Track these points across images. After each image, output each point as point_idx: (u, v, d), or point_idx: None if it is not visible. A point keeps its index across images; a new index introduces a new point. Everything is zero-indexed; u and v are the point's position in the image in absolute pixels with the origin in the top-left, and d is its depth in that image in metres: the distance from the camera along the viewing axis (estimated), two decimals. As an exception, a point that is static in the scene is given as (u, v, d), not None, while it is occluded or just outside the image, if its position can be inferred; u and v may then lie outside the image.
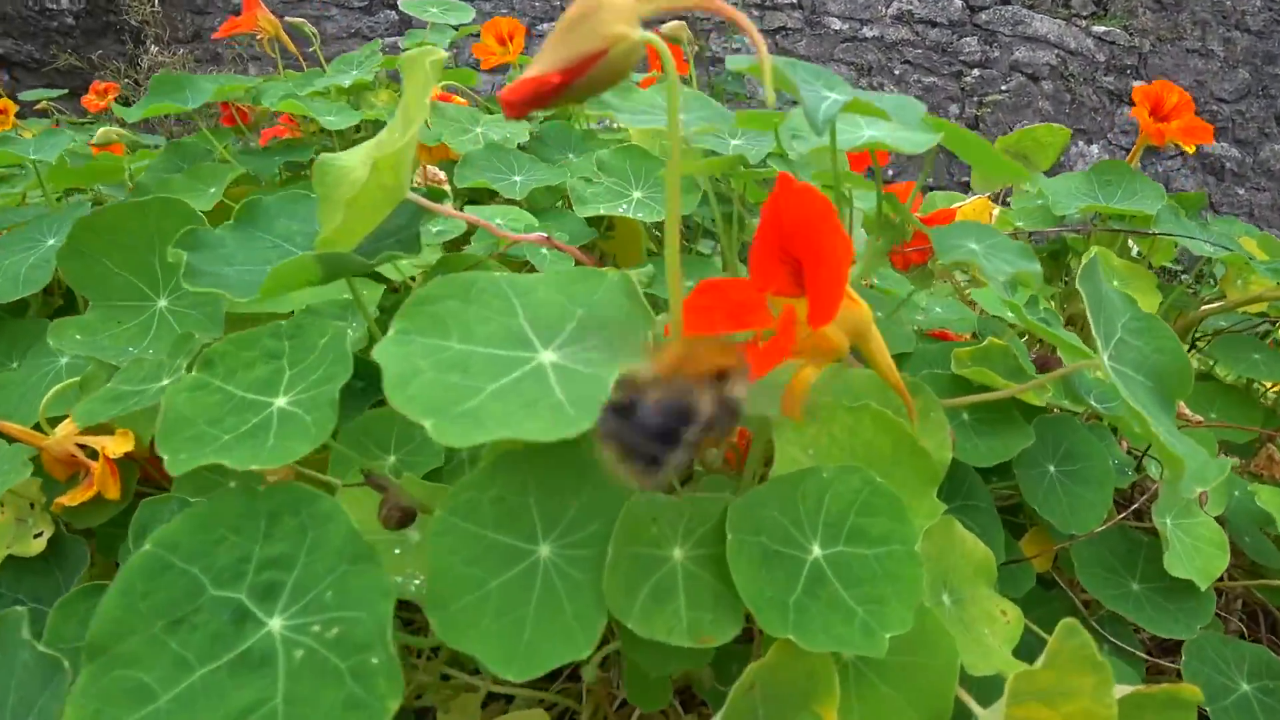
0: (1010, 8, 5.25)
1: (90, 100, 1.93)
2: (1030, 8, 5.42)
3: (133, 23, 3.96)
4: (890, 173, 4.91)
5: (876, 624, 0.41)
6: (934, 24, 5.22)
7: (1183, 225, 1.02)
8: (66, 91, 2.55)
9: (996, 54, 5.24)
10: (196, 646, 0.35)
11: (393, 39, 5.62)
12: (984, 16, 5.24)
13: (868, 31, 5.19)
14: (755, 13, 5.22)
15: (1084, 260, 0.59)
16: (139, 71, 4.46)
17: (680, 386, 0.31)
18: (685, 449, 0.31)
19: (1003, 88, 5.25)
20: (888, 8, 5.22)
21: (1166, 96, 1.03)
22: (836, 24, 5.19)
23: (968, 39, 5.23)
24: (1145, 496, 0.78)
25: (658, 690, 0.53)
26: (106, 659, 0.34)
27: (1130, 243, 1.13)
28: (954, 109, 5.21)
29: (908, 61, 5.19)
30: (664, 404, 0.31)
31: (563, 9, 0.39)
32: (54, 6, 5.14)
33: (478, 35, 1.39)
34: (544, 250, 0.82)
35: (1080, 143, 5.37)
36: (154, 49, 3.29)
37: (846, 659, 0.45)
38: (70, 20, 5.03)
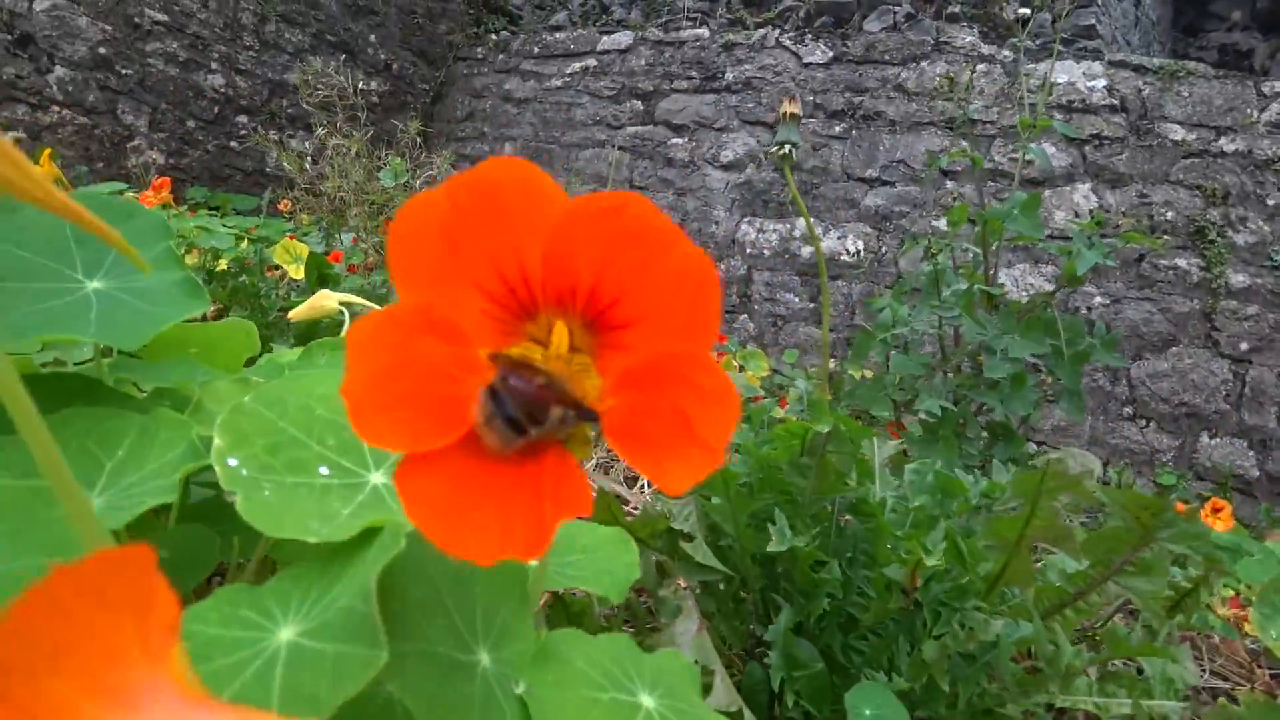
0: None
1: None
2: None
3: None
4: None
5: None
6: (1345, 136, 3.63)
7: None
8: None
9: None
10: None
11: (635, 128, 5.46)
12: None
13: (1227, 144, 3.76)
14: (1060, 115, 4.09)
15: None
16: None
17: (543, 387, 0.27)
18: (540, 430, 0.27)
19: None
20: (1261, 111, 3.75)
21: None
22: (1179, 133, 3.85)
23: (1407, 159, 3.55)
24: None
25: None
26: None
27: None
28: (1369, 259, 3.54)
29: (1292, 187, 3.66)
30: (524, 397, 0.27)
31: None
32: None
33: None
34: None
35: None
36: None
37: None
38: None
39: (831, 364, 3.44)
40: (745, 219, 4.44)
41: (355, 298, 0.64)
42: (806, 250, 4.13)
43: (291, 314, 0.62)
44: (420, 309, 0.26)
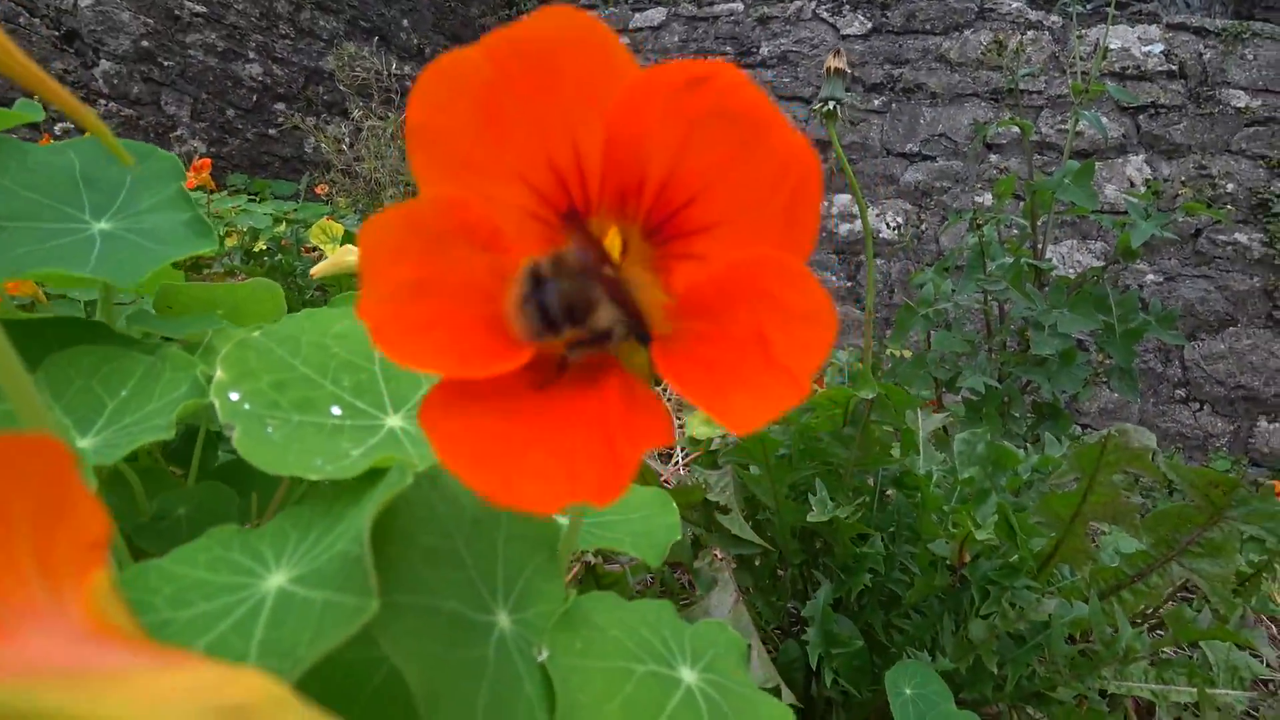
0: None
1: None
2: None
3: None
4: None
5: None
6: None
7: None
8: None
9: None
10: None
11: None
12: None
13: (1296, 110, 3.56)
14: (1110, 83, 3.91)
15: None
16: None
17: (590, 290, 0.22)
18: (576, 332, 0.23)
19: None
20: (1338, 76, 3.54)
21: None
22: (1241, 99, 3.65)
23: None
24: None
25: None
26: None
27: None
28: None
29: (1366, 155, 3.45)
30: (566, 295, 0.22)
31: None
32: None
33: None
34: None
35: None
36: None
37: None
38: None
39: (856, 350, 3.37)
40: (780, 198, 4.37)
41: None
42: (844, 227, 4.04)
43: (314, 270, 0.61)
44: (451, 206, 0.21)
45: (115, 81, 5.39)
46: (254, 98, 5.99)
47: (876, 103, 4.19)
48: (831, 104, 0.80)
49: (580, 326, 0.22)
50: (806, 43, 4.48)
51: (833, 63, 0.81)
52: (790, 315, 0.20)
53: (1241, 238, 3.57)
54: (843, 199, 4.09)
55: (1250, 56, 3.67)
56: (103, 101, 5.33)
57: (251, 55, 5.96)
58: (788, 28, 4.54)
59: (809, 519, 0.48)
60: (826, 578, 0.56)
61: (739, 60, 4.81)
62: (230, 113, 5.90)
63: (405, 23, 6.52)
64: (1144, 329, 1.61)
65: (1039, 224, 1.74)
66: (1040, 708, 0.52)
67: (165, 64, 5.60)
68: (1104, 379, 1.86)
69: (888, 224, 3.99)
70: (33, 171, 0.40)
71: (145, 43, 5.49)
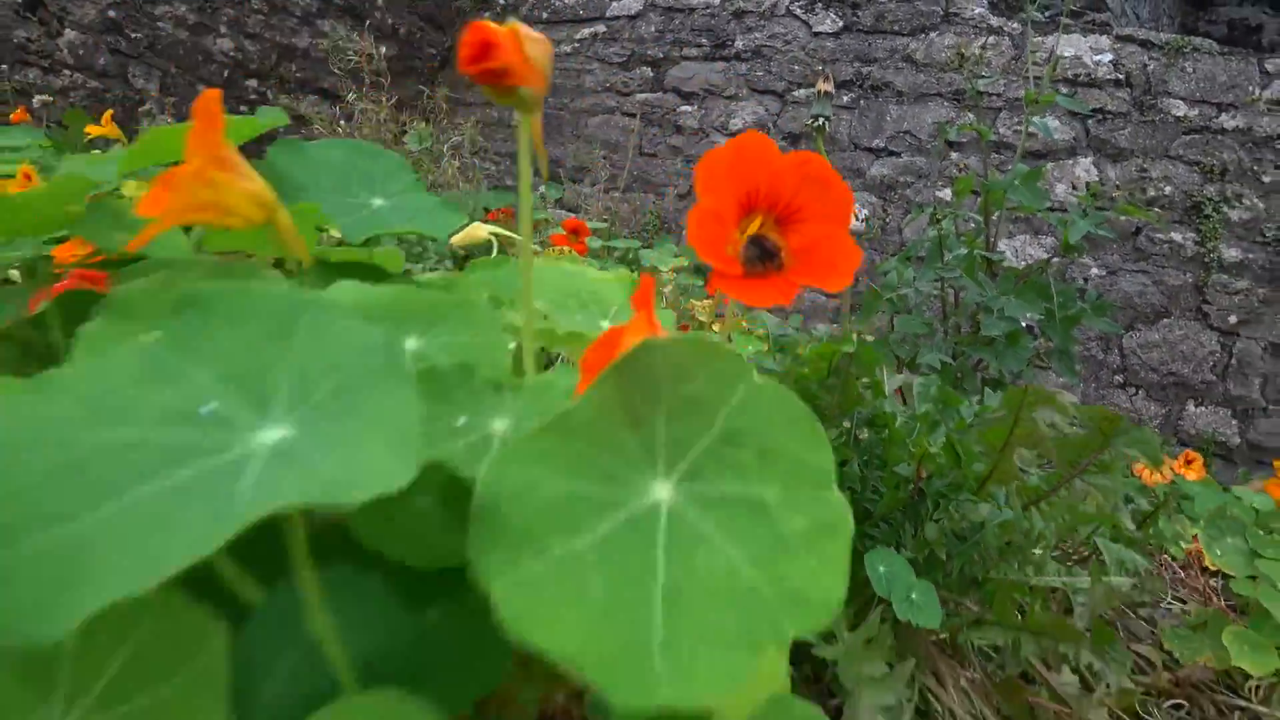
0: None
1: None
2: None
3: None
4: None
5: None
6: (1343, 113, 3.70)
7: None
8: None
9: None
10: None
11: (644, 95, 5.50)
12: None
13: (1227, 121, 3.84)
14: (1063, 89, 4.15)
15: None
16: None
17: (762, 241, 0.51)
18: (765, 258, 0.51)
19: None
20: (1264, 88, 3.82)
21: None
22: (1180, 108, 3.92)
23: (1401, 136, 3.63)
24: None
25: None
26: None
27: None
28: (1359, 234, 3.64)
29: (1288, 163, 3.74)
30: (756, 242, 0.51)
31: None
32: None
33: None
34: None
35: None
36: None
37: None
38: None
39: (834, 328, 3.55)
40: (752, 188, 4.53)
41: (501, 229, 0.76)
42: (812, 220, 4.22)
43: (454, 239, 0.73)
44: (712, 206, 0.49)
45: (80, 52, 5.28)
46: (225, 73, 5.90)
47: (845, 99, 4.37)
48: (821, 120, 0.93)
49: (759, 254, 0.51)
50: (780, 38, 4.63)
51: (823, 85, 0.94)
52: (841, 250, 0.50)
53: (1177, 237, 3.85)
54: (812, 191, 4.26)
55: (1189, 69, 3.93)
56: (67, 73, 5.22)
57: (223, 30, 5.88)
58: (762, 23, 4.68)
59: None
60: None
61: (713, 52, 4.94)
62: (200, 88, 5.80)
63: (380, 2, 6.48)
64: (1080, 316, 1.80)
65: (992, 219, 1.92)
66: (978, 591, 0.68)
67: (133, 35, 5.50)
68: (1045, 361, 2.06)
69: (855, 216, 4.18)
70: (313, 162, 0.52)
71: (112, 13, 5.38)
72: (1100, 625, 0.68)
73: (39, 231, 0.60)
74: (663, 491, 0.31)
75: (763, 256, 0.50)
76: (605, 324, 0.58)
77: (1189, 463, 1.70)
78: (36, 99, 4.13)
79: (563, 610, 0.26)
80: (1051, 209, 4.14)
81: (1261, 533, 1.16)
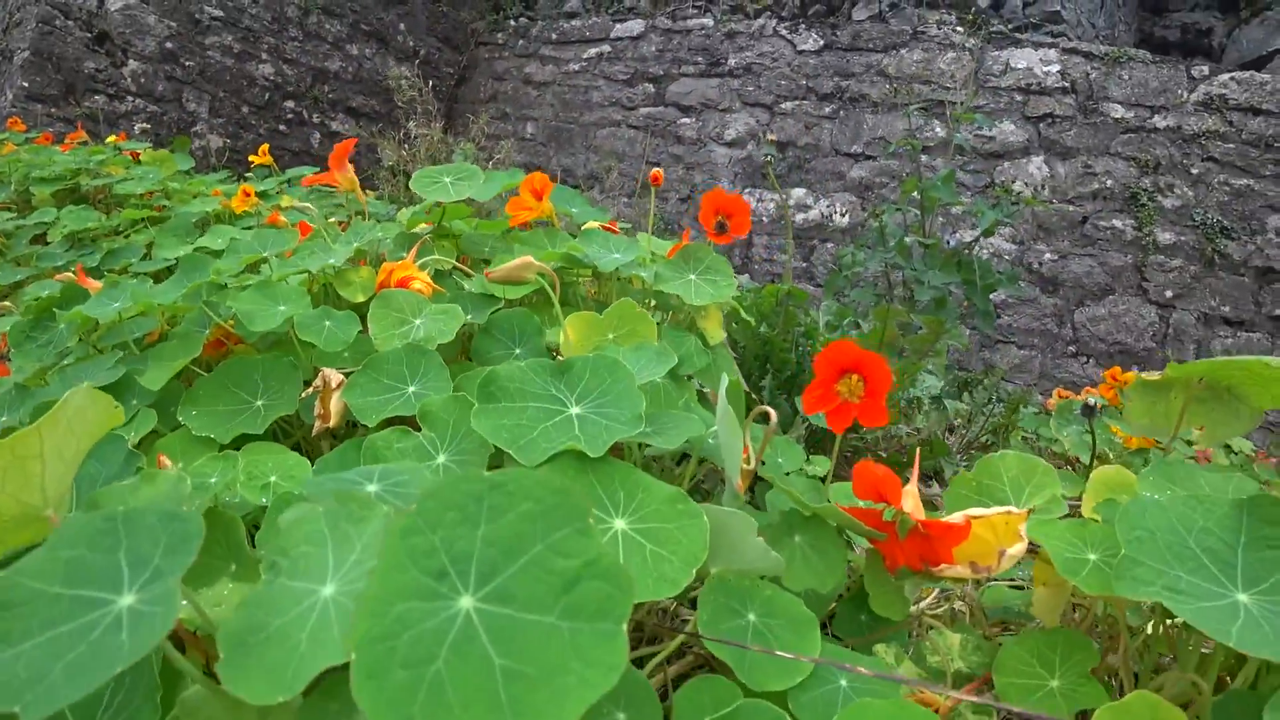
0: (1384, 94, 4.08)
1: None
2: None
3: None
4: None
5: None
6: (1257, 111, 4.24)
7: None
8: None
9: (1353, 152, 4.10)
10: None
11: (647, 109, 6.05)
12: (1339, 105, 4.14)
13: (1159, 121, 4.38)
14: (1017, 97, 4.70)
15: None
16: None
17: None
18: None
19: (1358, 195, 4.09)
20: (1190, 92, 4.36)
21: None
22: (1119, 111, 4.46)
23: (1309, 132, 4.17)
24: None
25: None
26: None
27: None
28: (1275, 220, 4.18)
29: (1212, 159, 4.28)
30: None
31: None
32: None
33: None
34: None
35: None
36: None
37: None
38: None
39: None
40: (746, 189, 5.07)
41: (544, 265, 1.14)
42: (799, 216, 4.76)
43: (491, 274, 1.02)
44: (823, 383, 0.78)
45: (142, 80, 5.85)
46: (266, 96, 6.47)
47: (827, 110, 4.92)
48: (767, 156, 1.46)
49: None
50: (768, 56, 5.18)
51: (769, 137, 1.48)
52: (880, 408, 0.86)
53: (1118, 223, 4.39)
54: (799, 191, 4.81)
55: (1126, 76, 4.48)
56: (130, 98, 5.79)
57: (264, 56, 6.45)
58: (751, 42, 5.24)
59: (759, 342, 1.17)
60: (772, 371, 1.26)
61: (709, 69, 5.49)
62: (245, 109, 6.38)
63: (402, 26, 7.03)
64: (996, 284, 2.35)
65: (929, 211, 2.47)
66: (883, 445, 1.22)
67: (187, 64, 6.07)
68: (971, 322, 2.61)
69: (837, 214, 4.73)
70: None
71: (169, 44, 5.95)
72: (938, 440, 1.23)
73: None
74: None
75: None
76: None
77: (1115, 379, 2.20)
78: (137, 126, 4.69)
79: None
80: (1015, 203, 4.66)
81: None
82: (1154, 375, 0.60)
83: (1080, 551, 0.45)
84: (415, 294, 0.76)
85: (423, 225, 0.99)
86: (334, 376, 0.77)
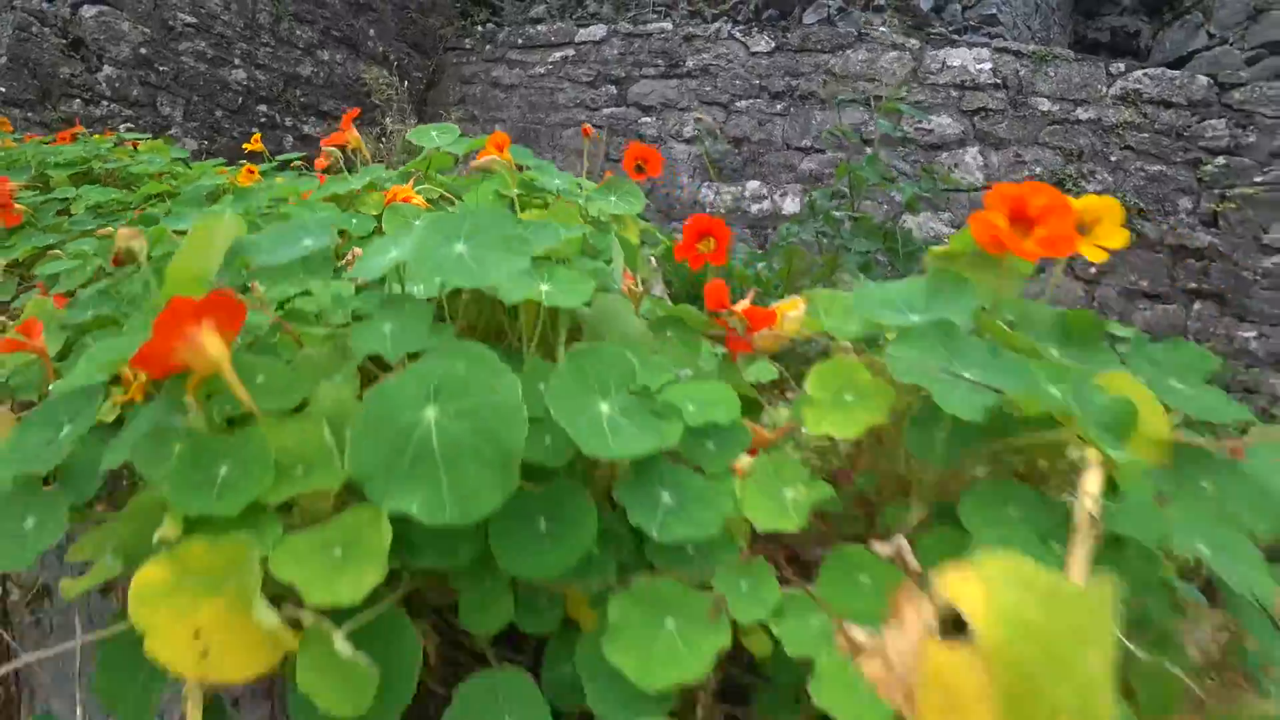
0: (1278, 84, 4.50)
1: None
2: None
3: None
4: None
5: None
6: (1168, 104, 4.63)
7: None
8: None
9: (1252, 139, 4.51)
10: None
11: (610, 109, 6.32)
12: (1238, 95, 4.54)
13: (1082, 114, 4.76)
14: (954, 93, 5.05)
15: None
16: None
17: None
18: None
19: (1257, 179, 4.50)
20: (1109, 87, 4.74)
21: (1031, 199, 0.85)
22: (1045, 104, 4.83)
23: (1213, 122, 4.57)
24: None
25: None
26: None
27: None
28: (1185, 202, 4.57)
29: (1129, 147, 4.67)
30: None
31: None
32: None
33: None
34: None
35: (1371, 248, 4.40)
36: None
37: None
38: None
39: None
40: (704, 184, 5.36)
41: (507, 159, 1.52)
42: (754, 207, 5.06)
43: (473, 165, 1.47)
44: (689, 243, 1.17)
45: (117, 85, 5.97)
46: (239, 100, 6.61)
47: (779, 107, 5.23)
48: (711, 150, 1.72)
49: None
50: (723, 57, 5.48)
51: (697, 115, 1.74)
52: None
53: (1046, 209, 4.75)
54: (753, 184, 5.11)
55: (1051, 73, 4.85)
56: (105, 103, 5.91)
57: (237, 62, 6.59)
58: (708, 45, 5.54)
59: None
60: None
61: (668, 71, 5.78)
62: (219, 113, 6.52)
63: (372, 32, 7.22)
64: (918, 251, 2.65)
65: (858, 191, 2.76)
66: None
67: (161, 69, 6.20)
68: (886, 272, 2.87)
69: (789, 204, 5.03)
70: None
71: (143, 50, 6.08)
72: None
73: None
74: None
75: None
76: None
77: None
78: (123, 129, 4.83)
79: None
80: (951, 190, 5.01)
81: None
82: (941, 248, 0.86)
83: (844, 321, 0.70)
84: (414, 205, 1.00)
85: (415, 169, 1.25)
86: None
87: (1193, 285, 4.51)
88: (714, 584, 0.45)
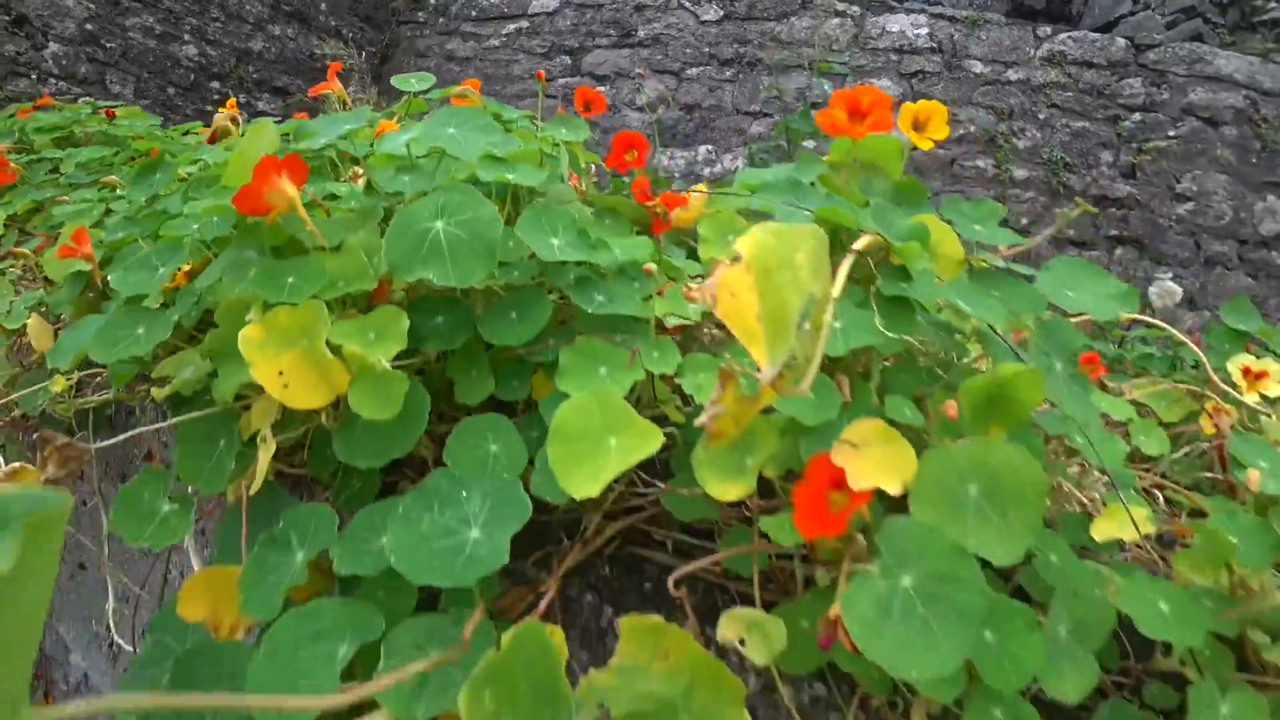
0: (1187, 45, 4.83)
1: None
2: (1229, 46, 4.95)
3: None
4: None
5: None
6: (1090, 65, 4.95)
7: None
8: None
9: (1165, 96, 4.85)
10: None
11: (565, 79, 6.43)
12: (1153, 55, 4.87)
13: (1012, 75, 5.05)
14: (893, 57, 5.29)
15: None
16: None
17: None
18: None
19: (1170, 133, 4.84)
20: (1036, 49, 5.03)
21: (862, 98, 1.03)
22: (978, 67, 5.10)
23: (1130, 80, 4.89)
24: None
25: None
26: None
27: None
28: (1106, 156, 4.90)
29: (1055, 105, 4.97)
30: None
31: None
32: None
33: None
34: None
35: (1271, 197, 4.79)
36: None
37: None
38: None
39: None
40: (659, 150, 5.54)
41: (477, 95, 1.71)
42: (707, 170, 5.26)
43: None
44: (617, 154, 1.36)
45: (64, 62, 5.89)
46: (191, 77, 6.56)
47: (728, 74, 5.42)
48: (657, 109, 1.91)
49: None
50: (674, 26, 5.64)
51: (638, 71, 1.92)
52: (641, 156, 1.37)
53: (980, 163, 5.04)
54: (704, 149, 5.31)
55: (984, 37, 5.12)
56: (53, 81, 5.83)
57: (187, 37, 6.53)
58: (659, 14, 5.68)
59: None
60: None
61: (620, 41, 5.91)
62: (171, 90, 6.46)
63: (323, 5, 7.18)
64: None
65: (794, 146, 2.98)
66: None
67: (108, 45, 6.13)
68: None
69: (739, 168, 5.25)
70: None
71: (89, 26, 6.00)
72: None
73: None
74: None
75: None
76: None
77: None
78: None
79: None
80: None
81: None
82: (826, 157, 1.07)
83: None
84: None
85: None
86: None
87: (1114, 232, 4.86)
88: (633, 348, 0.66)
